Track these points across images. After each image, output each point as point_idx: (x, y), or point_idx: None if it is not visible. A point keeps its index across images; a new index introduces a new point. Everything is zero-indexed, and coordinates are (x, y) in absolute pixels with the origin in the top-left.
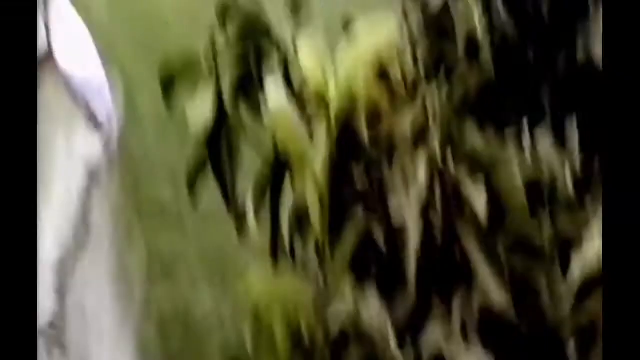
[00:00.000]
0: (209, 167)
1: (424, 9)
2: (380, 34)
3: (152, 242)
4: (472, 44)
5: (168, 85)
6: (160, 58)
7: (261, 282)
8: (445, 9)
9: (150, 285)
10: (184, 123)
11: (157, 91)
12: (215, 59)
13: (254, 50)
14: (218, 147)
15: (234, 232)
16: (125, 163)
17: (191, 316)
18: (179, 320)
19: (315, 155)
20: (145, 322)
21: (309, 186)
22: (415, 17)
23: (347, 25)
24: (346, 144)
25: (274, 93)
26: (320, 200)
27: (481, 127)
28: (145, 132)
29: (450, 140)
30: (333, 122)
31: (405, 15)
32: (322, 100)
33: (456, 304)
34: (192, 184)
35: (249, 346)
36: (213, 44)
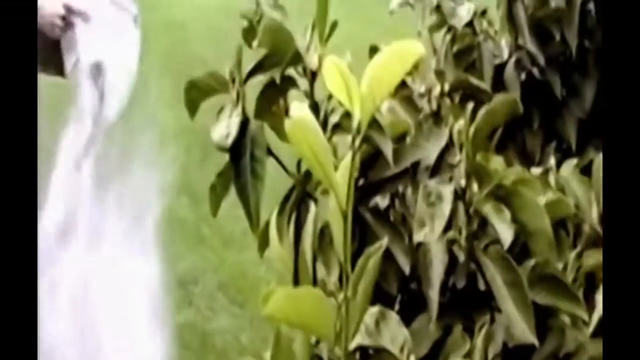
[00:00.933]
0: (232, 186)
1: (452, 41)
2: (407, 60)
3: (170, 262)
4: (499, 78)
5: (193, 105)
6: (185, 76)
7: (282, 302)
8: (474, 41)
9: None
10: (207, 141)
11: (181, 109)
12: (240, 81)
13: (280, 71)
14: (241, 163)
15: (256, 254)
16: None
17: (210, 339)
18: (197, 343)
19: (339, 175)
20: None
21: (332, 208)
22: (443, 49)
23: (373, 51)
24: (370, 165)
25: (297, 105)
26: (344, 224)
27: (507, 159)
28: (167, 147)
29: (476, 171)
30: (357, 140)
31: (433, 46)
32: (346, 116)
33: (479, 334)
34: (215, 202)
35: None
36: (239, 64)
